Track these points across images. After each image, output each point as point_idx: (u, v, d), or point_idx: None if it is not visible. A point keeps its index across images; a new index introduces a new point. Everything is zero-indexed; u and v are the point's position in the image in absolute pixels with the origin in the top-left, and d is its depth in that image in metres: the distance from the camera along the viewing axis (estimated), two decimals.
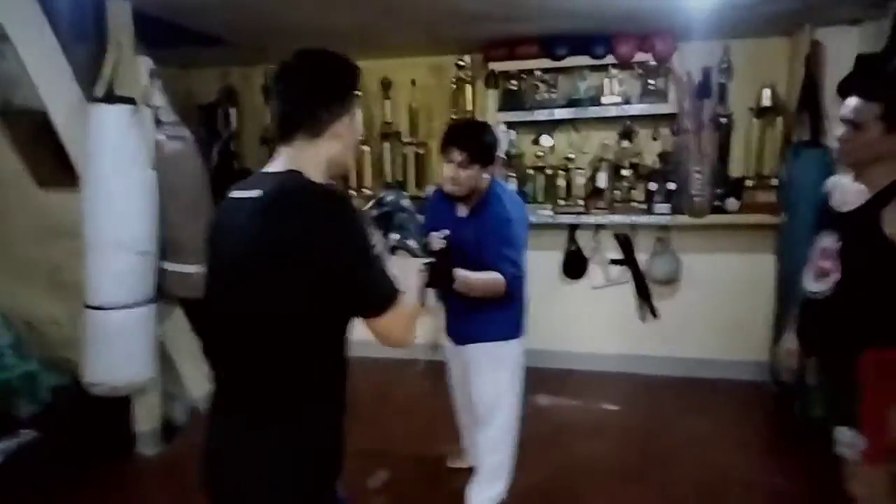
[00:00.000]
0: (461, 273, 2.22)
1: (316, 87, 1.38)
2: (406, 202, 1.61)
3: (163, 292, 3.10)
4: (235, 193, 1.39)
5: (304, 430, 1.32)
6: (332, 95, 1.38)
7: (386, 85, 4.20)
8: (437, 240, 2.23)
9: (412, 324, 1.39)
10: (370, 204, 1.62)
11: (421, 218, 1.69)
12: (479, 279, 2.26)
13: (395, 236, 1.56)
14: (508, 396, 2.50)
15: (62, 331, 3.37)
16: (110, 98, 2.76)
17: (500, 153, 3.88)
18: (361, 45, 3.96)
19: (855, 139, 1.85)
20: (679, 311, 4.16)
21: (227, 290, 1.36)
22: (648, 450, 3.24)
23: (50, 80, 2.64)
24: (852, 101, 1.86)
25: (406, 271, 1.47)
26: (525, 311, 2.58)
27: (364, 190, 4.28)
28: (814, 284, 1.96)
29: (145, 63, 2.97)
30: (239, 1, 2.90)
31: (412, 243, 1.56)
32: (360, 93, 1.44)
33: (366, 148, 4.26)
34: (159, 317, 3.29)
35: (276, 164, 1.37)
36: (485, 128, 2.45)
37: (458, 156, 2.29)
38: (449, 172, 2.33)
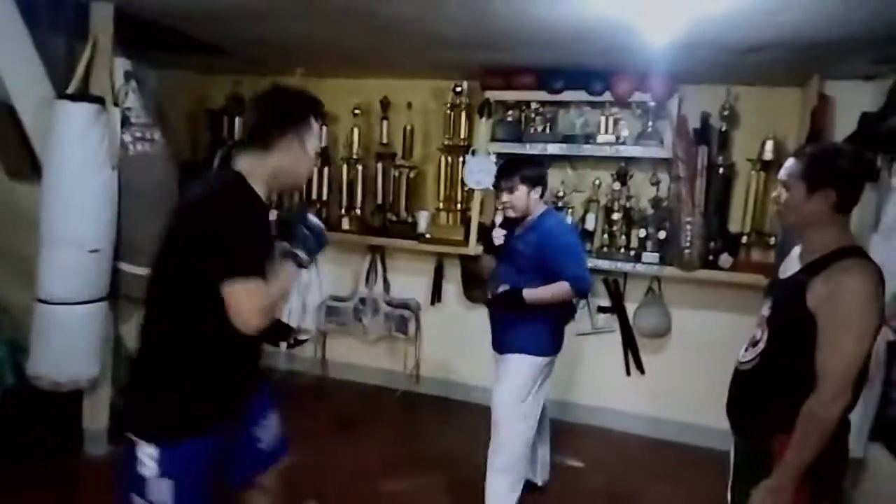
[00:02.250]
0: (528, 293, 2.61)
1: (270, 110, 1.74)
2: (313, 220, 1.84)
3: (118, 293, 3.11)
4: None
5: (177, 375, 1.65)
6: (283, 117, 1.71)
7: (385, 105, 4.15)
8: (500, 234, 2.78)
9: (260, 309, 1.56)
10: (277, 213, 1.93)
11: (321, 227, 1.88)
12: (545, 293, 2.61)
13: (285, 245, 1.77)
14: (519, 407, 2.73)
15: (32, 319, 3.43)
16: (76, 96, 2.79)
17: (490, 185, 3.77)
18: (361, 64, 3.95)
19: (785, 200, 1.72)
20: (666, 368, 3.91)
21: (155, 260, 1.70)
22: None
23: (18, 73, 2.69)
24: (788, 161, 1.74)
25: (288, 275, 1.74)
26: (556, 331, 2.84)
27: (355, 211, 4.24)
28: (743, 353, 1.83)
29: (122, 64, 3.00)
30: (225, 11, 2.90)
31: (301, 253, 1.76)
32: (315, 123, 1.78)
33: (360, 168, 4.22)
34: (120, 317, 3.31)
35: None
36: (526, 160, 3.03)
37: (504, 184, 2.73)
38: (501, 198, 2.77)
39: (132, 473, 1.64)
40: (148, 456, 1.62)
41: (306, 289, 4.49)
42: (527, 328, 2.71)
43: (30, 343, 2.96)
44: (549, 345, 2.80)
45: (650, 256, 3.58)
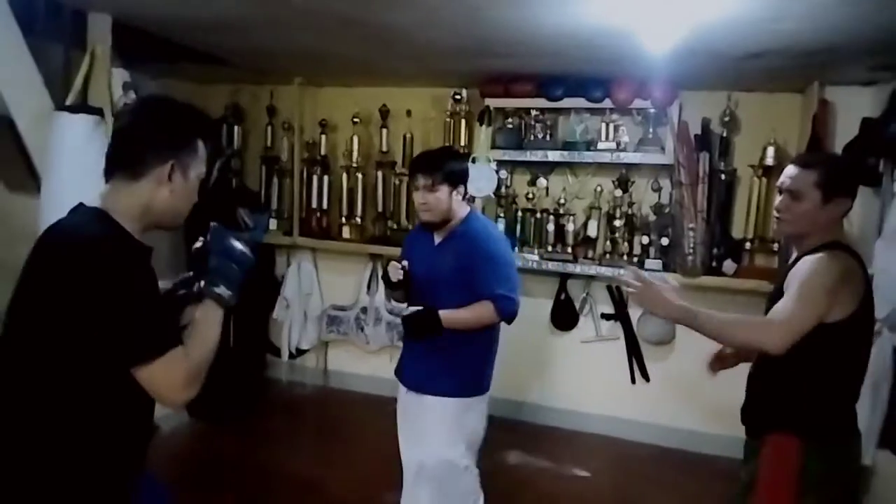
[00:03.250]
0: (445, 315, 2.21)
1: (143, 128, 1.35)
2: (238, 247, 1.43)
3: None
4: (57, 221, 1.36)
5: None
6: (160, 138, 1.33)
7: (384, 113, 4.14)
8: (396, 270, 2.33)
9: (186, 381, 1.26)
10: (199, 240, 1.48)
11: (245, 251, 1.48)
12: (466, 314, 2.24)
13: (200, 283, 1.42)
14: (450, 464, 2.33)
15: None
16: (75, 107, 2.77)
17: (490, 192, 3.76)
18: (360, 72, 3.94)
19: (793, 209, 1.71)
20: (671, 376, 3.87)
21: (7, 316, 1.30)
22: None
23: (16, 86, 2.67)
24: (790, 170, 1.74)
25: (209, 320, 1.37)
26: (490, 364, 2.43)
27: (356, 219, 4.22)
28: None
29: (121, 75, 2.99)
30: (222, 21, 2.89)
31: (221, 291, 1.39)
32: (203, 147, 1.39)
33: (360, 176, 4.21)
34: None
35: (97, 201, 1.33)
36: (448, 152, 2.49)
37: (423, 180, 2.29)
38: (418, 198, 2.33)
39: None
40: None
41: (307, 298, 4.47)
42: (448, 362, 2.30)
43: None
44: (481, 379, 2.38)
45: (653, 263, 3.56)
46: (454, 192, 2.32)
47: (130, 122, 1.39)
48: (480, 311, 2.24)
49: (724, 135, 3.50)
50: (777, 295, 1.78)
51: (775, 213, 1.78)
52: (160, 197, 1.33)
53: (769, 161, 3.33)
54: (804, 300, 1.57)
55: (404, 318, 2.30)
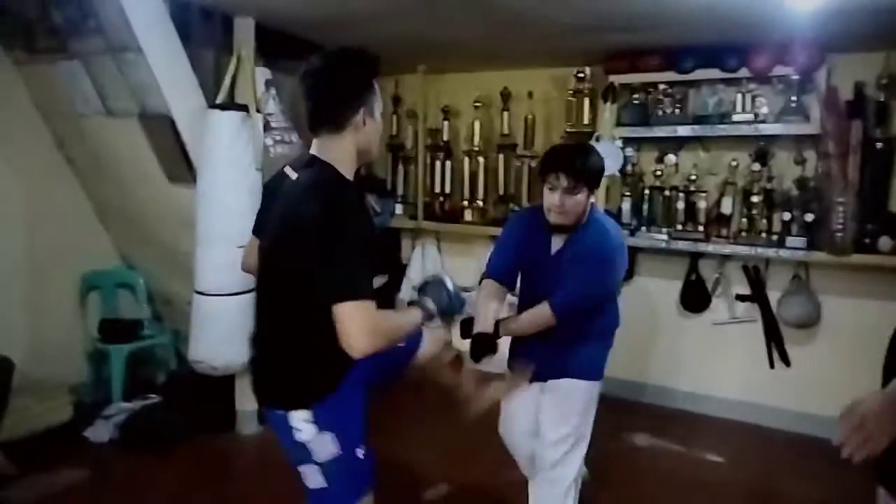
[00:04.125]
0: (505, 325, 2.20)
1: (333, 86, 1.56)
2: (449, 284, 1.80)
3: None
4: (286, 170, 1.71)
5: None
6: (348, 91, 1.55)
7: (505, 96, 4.15)
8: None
9: (372, 332, 1.45)
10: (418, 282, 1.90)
11: (464, 296, 1.84)
12: (523, 323, 2.20)
13: (425, 299, 1.76)
14: (580, 439, 2.29)
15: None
16: (224, 105, 3.03)
17: (615, 171, 3.68)
18: (481, 57, 3.97)
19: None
20: (814, 360, 3.62)
21: (267, 251, 1.66)
22: None
23: (176, 88, 2.95)
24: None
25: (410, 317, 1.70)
26: (608, 354, 2.37)
27: (477, 202, 4.28)
28: None
29: (263, 74, 3.23)
30: (354, 17, 3.04)
31: (430, 305, 1.74)
32: (377, 85, 1.60)
33: (481, 160, 4.26)
34: None
35: (314, 152, 1.61)
36: (590, 149, 2.20)
37: (564, 181, 2.06)
38: (553, 200, 2.09)
39: (293, 445, 1.64)
40: (302, 420, 1.61)
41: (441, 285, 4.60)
42: (588, 350, 2.27)
43: (189, 331, 3.27)
44: (601, 366, 2.34)
45: (796, 241, 3.33)
46: (591, 197, 2.14)
47: (320, 82, 1.57)
48: (536, 315, 2.15)
49: (882, 99, 3.18)
50: None
51: None
52: (361, 141, 1.59)
53: None
54: None
55: (469, 337, 2.21)
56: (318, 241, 1.44)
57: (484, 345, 2.15)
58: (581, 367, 2.25)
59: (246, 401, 3.55)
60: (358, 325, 1.42)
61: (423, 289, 1.80)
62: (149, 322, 3.95)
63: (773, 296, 3.65)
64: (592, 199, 2.16)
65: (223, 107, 3.01)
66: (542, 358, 2.28)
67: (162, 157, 3.25)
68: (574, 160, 2.09)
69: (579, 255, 2.13)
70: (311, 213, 1.48)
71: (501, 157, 4.21)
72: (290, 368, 1.64)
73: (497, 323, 2.20)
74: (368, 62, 1.59)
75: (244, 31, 3.15)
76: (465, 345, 2.20)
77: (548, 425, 2.26)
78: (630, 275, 3.91)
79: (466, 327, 2.23)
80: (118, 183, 3.62)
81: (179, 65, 2.95)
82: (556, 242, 2.21)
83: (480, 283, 2.36)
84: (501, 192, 4.24)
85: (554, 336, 2.18)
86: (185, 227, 3.32)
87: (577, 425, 2.25)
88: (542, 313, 2.13)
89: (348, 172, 1.59)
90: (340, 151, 1.57)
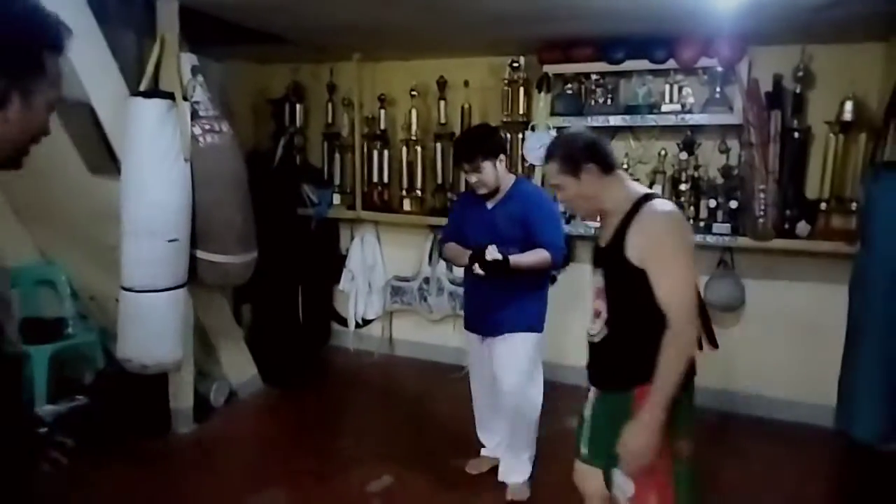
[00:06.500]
0: (514, 259, 2.50)
1: None
2: None
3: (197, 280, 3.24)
4: None
5: None
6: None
7: (441, 85, 4.14)
8: (494, 251, 2.51)
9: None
10: None
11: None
12: (529, 259, 2.54)
13: None
14: (533, 385, 2.77)
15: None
16: (148, 92, 2.90)
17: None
18: (418, 45, 3.94)
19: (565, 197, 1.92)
20: (741, 341, 3.78)
21: None
22: None
23: (94, 75, 2.81)
24: (549, 168, 1.91)
25: None
26: (545, 305, 2.80)
27: (416, 192, 4.26)
28: (590, 326, 1.94)
29: (189, 59, 3.10)
30: (290, 3, 2.94)
31: None
32: (50, 59, 1.00)
33: (419, 149, 4.24)
34: (199, 303, 3.47)
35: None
36: (477, 132, 2.86)
37: (466, 166, 2.66)
38: (470, 179, 2.70)
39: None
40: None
41: (371, 270, 4.58)
42: (531, 305, 2.70)
43: (117, 328, 3.14)
44: (542, 318, 2.78)
45: (721, 227, 3.46)
46: (496, 163, 2.63)
47: None
48: (539, 258, 2.55)
49: (798, 91, 3.33)
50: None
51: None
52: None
53: (847, 116, 3.15)
54: None
55: (483, 263, 2.51)
56: None
57: (500, 266, 2.49)
58: (521, 322, 2.68)
59: (180, 399, 3.45)
60: None
61: None
62: (73, 320, 3.77)
63: (701, 280, 3.79)
64: (501, 160, 2.65)
65: (147, 94, 2.90)
66: (489, 316, 2.72)
67: (82, 148, 3.10)
68: (465, 148, 2.68)
69: (528, 207, 2.63)
70: None
71: (439, 145, 4.21)
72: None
73: (504, 254, 2.52)
74: (36, 27, 0.98)
75: (168, 14, 3.01)
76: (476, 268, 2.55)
77: (501, 375, 2.73)
78: (567, 260, 3.99)
79: (478, 255, 2.55)
80: (34, 175, 3.41)
81: (97, 49, 2.80)
82: (490, 203, 2.73)
83: (443, 245, 2.92)
84: (440, 181, 4.24)
85: (497, 295, 2.64)
86: (110, 221, 3.18)
87: (527, 370, 2.72)
88: (540, 253, 2.55)
89: None
90: None
